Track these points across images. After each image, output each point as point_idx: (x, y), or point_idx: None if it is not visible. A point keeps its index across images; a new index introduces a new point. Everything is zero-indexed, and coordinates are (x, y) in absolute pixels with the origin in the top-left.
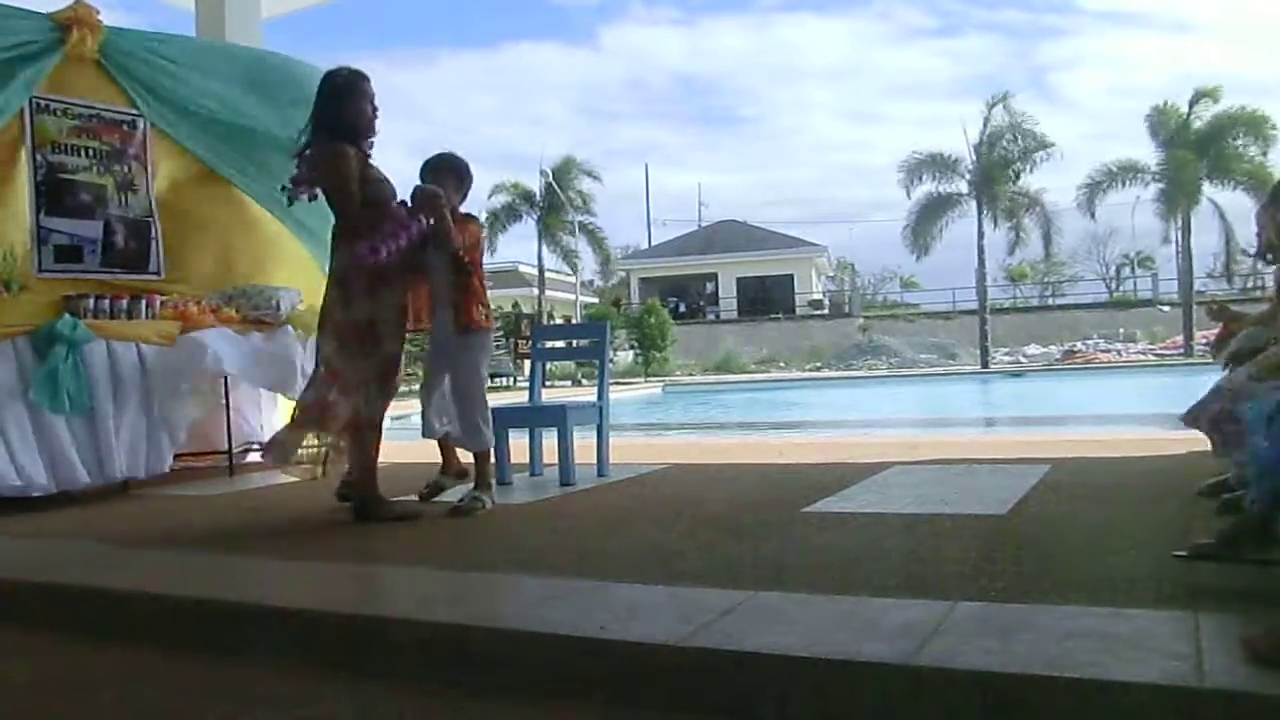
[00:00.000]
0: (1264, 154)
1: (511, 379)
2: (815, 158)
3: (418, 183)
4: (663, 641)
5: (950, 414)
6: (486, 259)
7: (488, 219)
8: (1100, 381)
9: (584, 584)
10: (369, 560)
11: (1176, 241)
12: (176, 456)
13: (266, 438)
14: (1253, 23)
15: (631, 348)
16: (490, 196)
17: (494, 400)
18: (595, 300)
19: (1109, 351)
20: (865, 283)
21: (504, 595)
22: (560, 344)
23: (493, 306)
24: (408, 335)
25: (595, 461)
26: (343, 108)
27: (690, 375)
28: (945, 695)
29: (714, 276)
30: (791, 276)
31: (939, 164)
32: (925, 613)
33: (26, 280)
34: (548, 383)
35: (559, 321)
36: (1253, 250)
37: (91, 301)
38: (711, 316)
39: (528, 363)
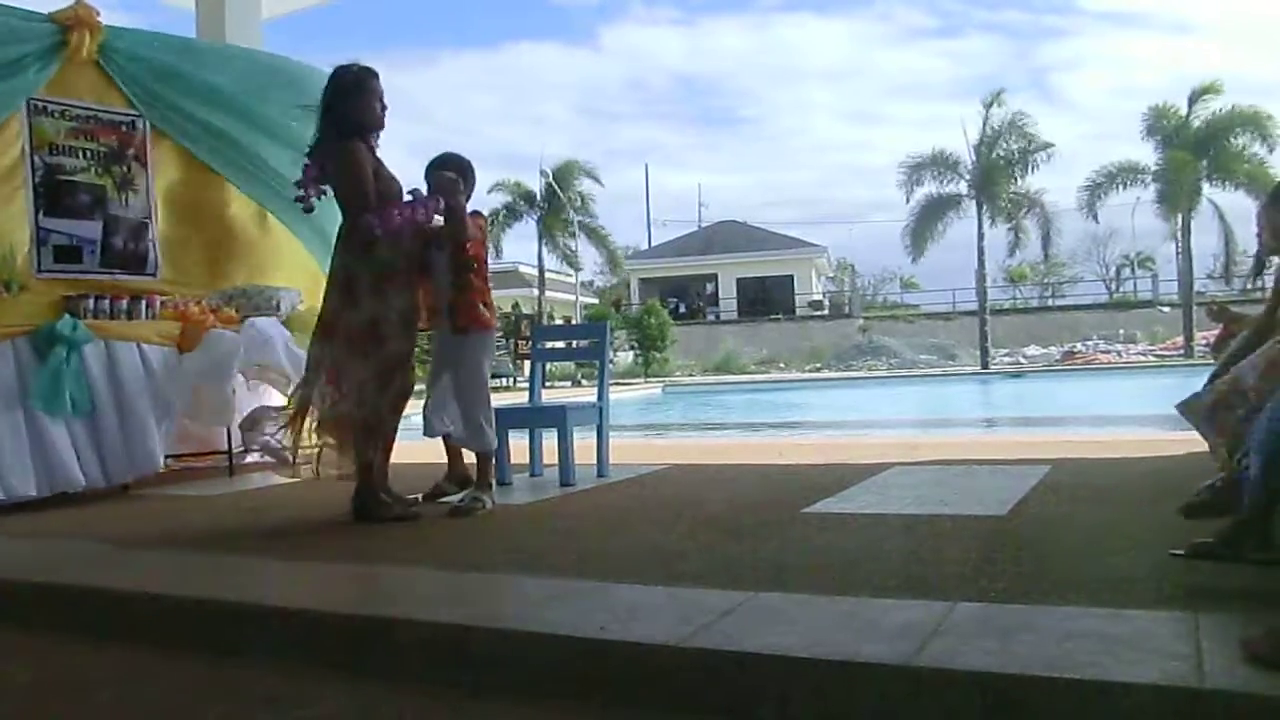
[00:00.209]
0: (1270, 150)
1: (511, 379)
2: (815, 158)
3: (426, 180)
4: (663, 642)
5: (950, 415)
6: (489, 259)
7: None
8: (1100, 382)
9: (584, 584)
10: (369, 560)
11: (1177, 242)
12: (177, 457)
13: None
14: (1253, 24)
15: (631, 348)
16: (490, 192)
17: (494, 400)
18: (595, 301)
19: (1109, 352)
20: (865, 283)
21: (504, 595)
22: (560, 344)
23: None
24: (419, 334)
25: (595, 462)
26: (352, 105)
27: (690, 376)
28: (945, 696)
29: (714, 277)
30: (791, 277)
31: (939, 163)
32: (925, 613)
33: (26, 280)
34: (548, 383)
35: (559, 322)
36: (1253, 251)
37: (91, 302)
38: (711, 317)
39: (528, 363)
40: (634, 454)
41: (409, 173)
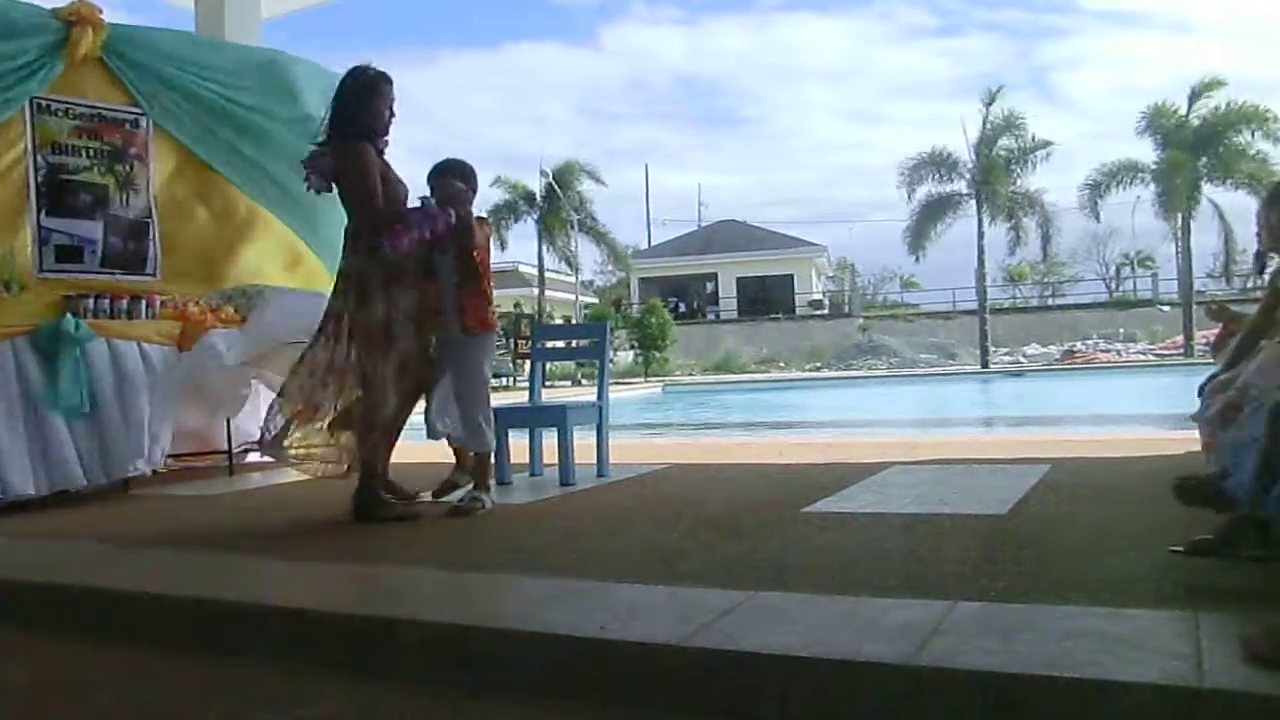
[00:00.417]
0: (1275, 144)
1: (511, 379)
2: (815, 158)
3: (430, 185)
4: (663, 642)
5: (950, 414)
6: (493, 255)
7: (487, 213)
8: (1100, 382)
9: (584, 584)
10: (369, 560)
11: (1176, 241)
12: (176, 456)
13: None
14: (1254, 23)
15: (632, 348)
16: (491, 186)
17: (494, 400)
18: (595, 300)
19: (1109, 351)
20: (865, 283)
21: (504, 595)
22: (560, 344)
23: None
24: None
25: (595, 461)
26: (362, 108)
27: (690, 375)
28: (945, 695)
29: (714, 276)
30: (791, 276)
31: (938, 162)
32: (925, 613)
33: (26, 280)
34: (548, 383)
35: (559, 322)
36: (1253, 250)
37: (91, 302)
38: (711, 316)
39: (528, 363)
40: (634, 453)
41: (409, 173)
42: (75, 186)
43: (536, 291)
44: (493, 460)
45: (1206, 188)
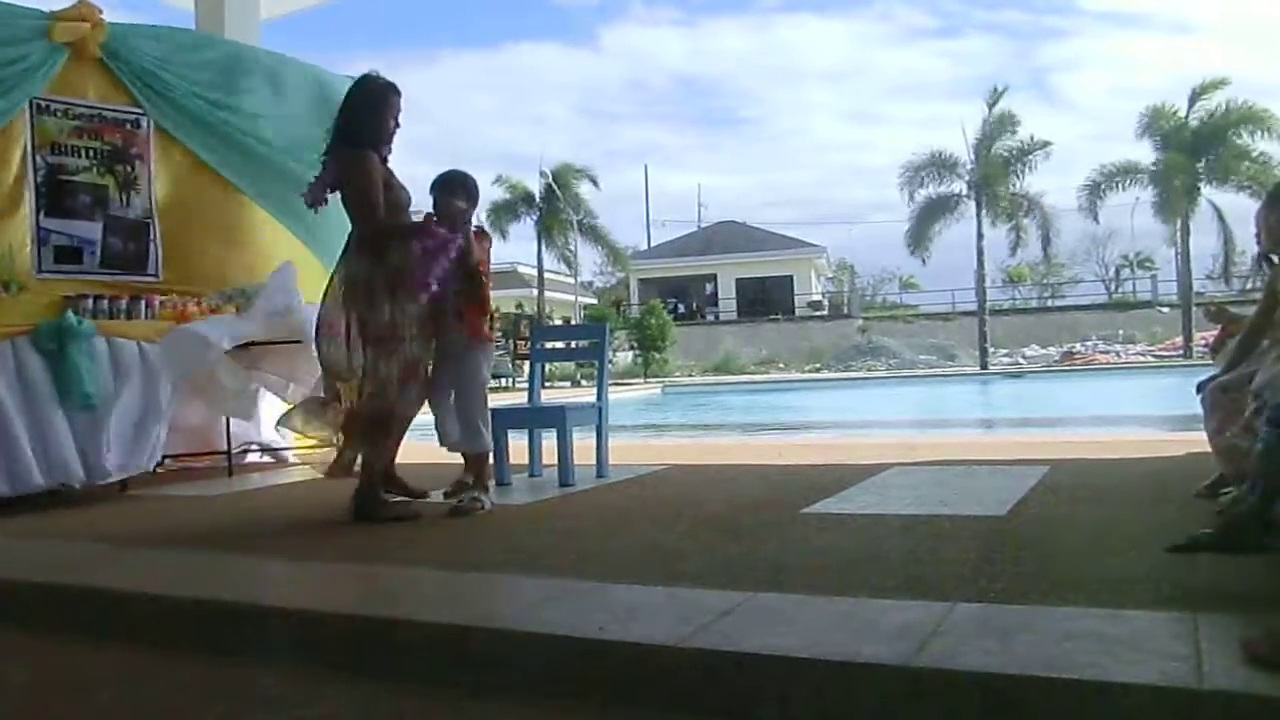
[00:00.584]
0: (1277, 141)
1: (511, 379)
2: (815, 159)
3: (433, 197)
4: (662, 642)
5: (949, 415)
6: (493, 253)
7: (487, 213)
8: (1099, 383)
9: (583, 585)
10: (368, 560)
11: (1175, 243)
12: (176, 457)
13: (265, 439)
14: (1254, 24)
15: (631, 348)
16: (491, 184)
17: (494, 401)
18: (594, 301)
19: (1108, 353)
20: (864, 284)
21: (503, 596)
22: (560, 345)
23: (492, 306)
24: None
25: (594, 462)
26: (369, 117)
27: (689, 376)
28: (944, 696)
29: (713, 277)
30: (791, 277)
31: (938, 164)
32: (924, 614)
33: (26, 280)
34: (547, 383)
35: (558, 323)
36: (1252, 252)
37: (91, 302)
38: (711, 317)
39: (527, 364)
40: (633, 454)
41: (409, 172)
42: (75, 187)
43: (536, 292)
44: (492, 461)
45: (1206, 189)
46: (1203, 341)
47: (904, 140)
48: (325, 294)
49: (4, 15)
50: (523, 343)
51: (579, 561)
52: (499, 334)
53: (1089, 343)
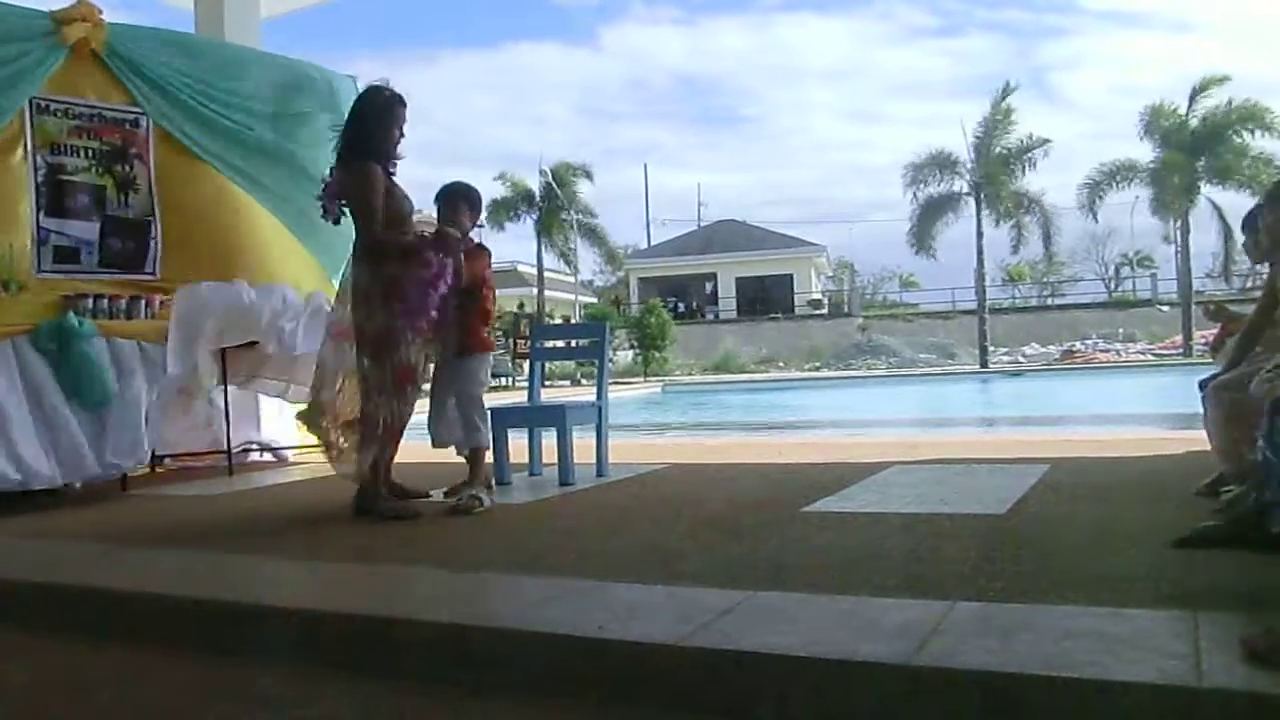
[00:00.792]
0: (1278, 139)
1: (510, 379)
2: (815, 158)
3: (437, 208)
4: (662, 641)
5: (949, 414)
6: (492, 253)
7: (488, 210)
8: (1099, 381)
9: (583, 584)
10: (368, 560)
11: (1175, 242)
12: (176, 456)
13: (265, 438)
14: (1254, 23)
15: (631, 347)
16: (493, 180)
17: (494, 400)
18: (594, 300)
19: (1108, 351)
20: (864, 282)
21: (503, 595)
22: (559, 344)
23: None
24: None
25: (594, 461)
26: (375, 129)
27: (689, 375)
28: (944, 695)
29: (713, 276)
30: (791, 276)
31: (939, 163)
32: (924, 613)
33: (26, 280)
34: (547, 382)
35: (558, 321)
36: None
37: (91, 301)
38: (711, 316)
39: (527, 363)
40: (633, 453)
41: (408, 172)
42: (74, 187)
43: (535, 291)
44: (491, 459)
45: (1205, 187)
46: (1202, 340)
47: (904, 139)
48: (335, 299)
49: (3, 14)
50: (522, 342)
51: (579, 560)
52: (499, 333)
53: (1089, 341)
